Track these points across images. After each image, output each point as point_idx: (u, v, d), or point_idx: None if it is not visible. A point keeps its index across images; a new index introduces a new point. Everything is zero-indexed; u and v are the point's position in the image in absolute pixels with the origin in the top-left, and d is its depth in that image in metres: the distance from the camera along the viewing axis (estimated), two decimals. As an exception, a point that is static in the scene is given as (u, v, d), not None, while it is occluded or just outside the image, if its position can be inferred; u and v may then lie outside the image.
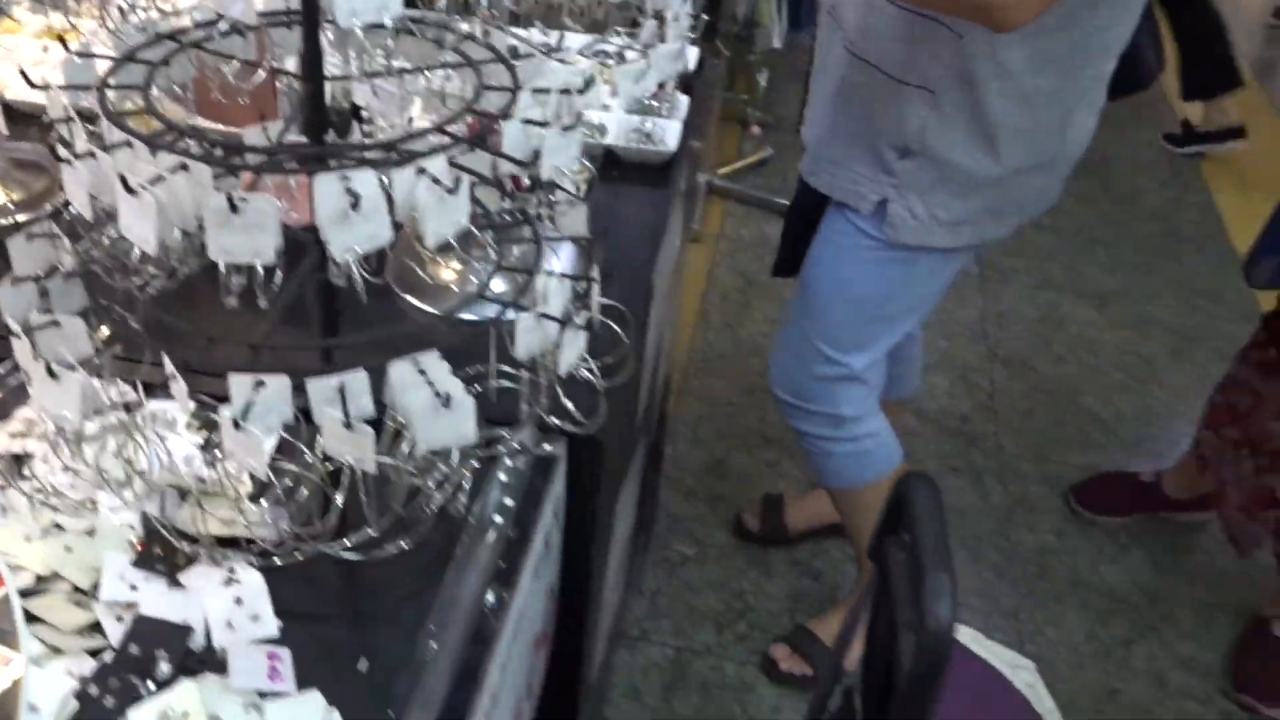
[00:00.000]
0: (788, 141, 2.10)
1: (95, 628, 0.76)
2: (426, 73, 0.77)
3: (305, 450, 0.64)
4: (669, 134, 1.42)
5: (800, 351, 1.62)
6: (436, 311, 0.96)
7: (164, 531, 0.77)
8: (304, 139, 0.71)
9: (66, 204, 0.68)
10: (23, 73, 0.69)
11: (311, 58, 0.67)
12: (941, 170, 1.42)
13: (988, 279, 2.97)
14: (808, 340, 1.60)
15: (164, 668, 0.73)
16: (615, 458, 1.16)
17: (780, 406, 1.69)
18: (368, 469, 0.64)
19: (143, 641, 0.74)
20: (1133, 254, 3.17)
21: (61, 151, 0.62)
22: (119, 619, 0.76)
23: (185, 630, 0.75)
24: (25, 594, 0.76)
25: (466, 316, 0.92)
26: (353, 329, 0.79)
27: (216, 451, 0.68)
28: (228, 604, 0.76)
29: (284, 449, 0.74)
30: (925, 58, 1.35)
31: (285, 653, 0.74)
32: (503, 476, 0.92)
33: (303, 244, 0.71)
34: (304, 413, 0.65)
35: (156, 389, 0.72)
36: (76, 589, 0.78)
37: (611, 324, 0.87)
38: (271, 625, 0.76)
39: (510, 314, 0.71)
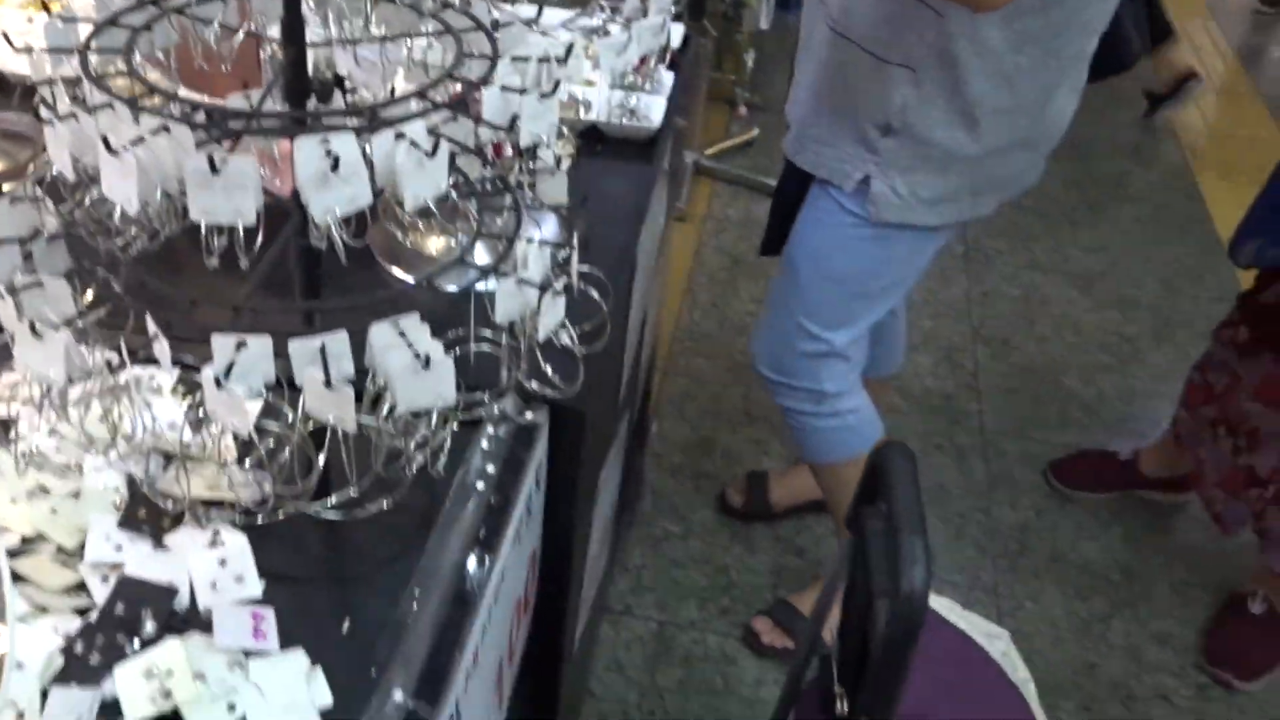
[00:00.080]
0: (775, 122, 2.10)
1: (81, 588, 0.77)
2: (408, 41, 0.77)
3: (288, 410, 0.65)
4: (653, 110, 1.43)
5: (783, 328, 1.63)
6: (418, 282, 0.97)
7: (148, 494, 0.78)
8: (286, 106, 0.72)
9: (50, 174, 0.69)
10: (4, 35, 0.69)
11: (293, 23, 0.68)
12: (923, 148, 1.43)
13: (972, 259, 2.99)
14: (791, 316, 1.61)
15: (149, 626, 0.74)
16: (598, 428, 1.18)
17: (763, 382, 1.71)
18: (348, 429, 0.65)
19: (128, 601, 0.75)
20: (1116, 236, 3.19)
21: (44, 113, 0.63)
22: (104, 579, 0.77)
23: (170, 591, 0.77)
24: (11, 554, 0.76)
25: (448, 287, 0.93)
26: (334, 296, 0.80)
27: (200, 413, 0.69)
28: (212, 565, 0.78)
29: (266, 412, 0.75)
30: (907, 37, 1.36)
31: (269, 612, 0.76)
32: (485, 444, 0.94)
33: (286, 213, 0.72)
34: (288, 381, 0.66)
35: (140, 357, 0.73)
36: (61, 550, 0.79)
37: (592, 292, 0.88)
38: (255, 586, 0.78)
39: (492, 284, 0.73)
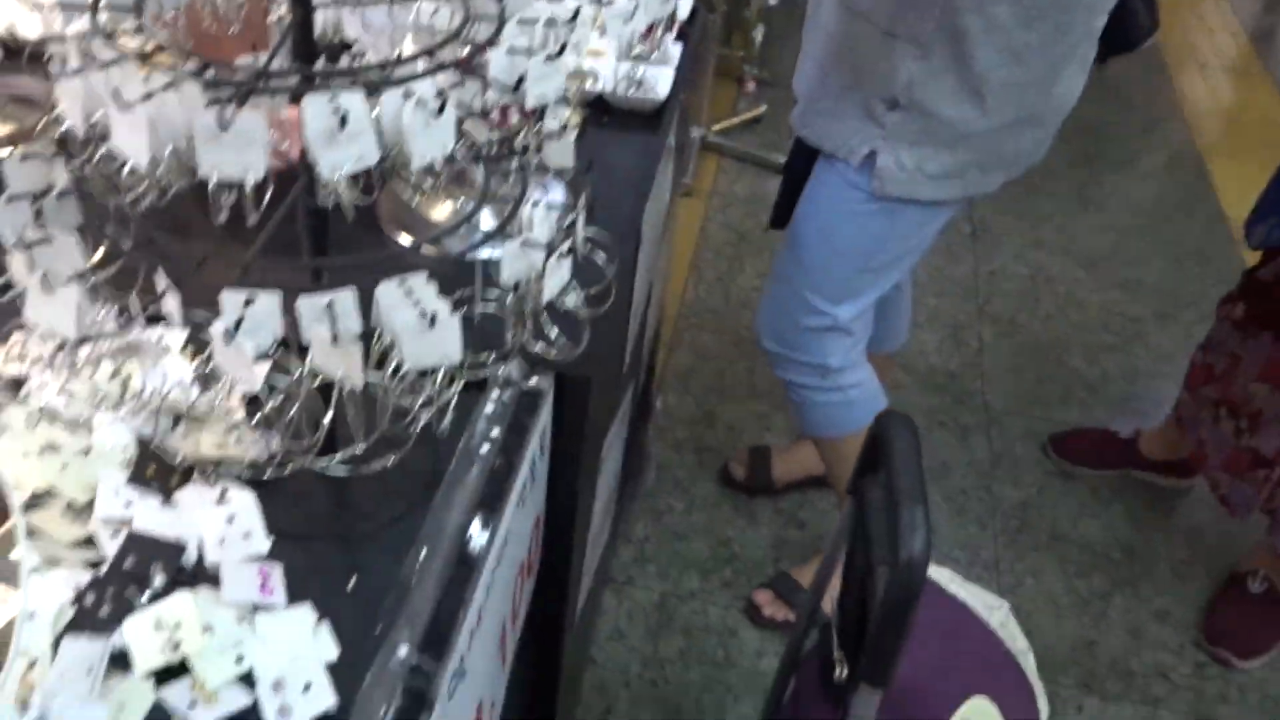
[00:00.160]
0: (783, 98, 2.10)
1: (91, 542, 0.78)
2: (417, 4, 0.78)
3: (297, 364, 0.66)
4: (660, 81, 1.43)
5: (788, 302, 1.64)
6: (425, 243, 0.97)
7: (157, 450, 0.79)
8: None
9: (58, 132, 0.70)
10: (17, -5, 0.70)
11: (301, -16, 0.68)
12: (929, 123, 1.43)
13: (979, 238, 2.98)
14: (795, 291, 1.62)
15: (158, 580, 0.75)
16: (602, 396, 1.19)
17: (767, 356, 1.71)
18: (355, 385, 0.66)
19: (137, 555, 0.76)
20: (1124, 216, 3.18)
21: (54, 68, 0.63)
22: (114, 534, 0.78)
23: (178, 546, 0.78)
24: (24, 509, 0.78)
25: (454, 249, 0.94)
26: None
27: (209, 370, 0.70)
28: (220, 522, 0.79)
29: (273, 371, 0.76)
30: (915, 11, 1.36)
31: (276, 567, 0.77)
32: (490, 408, 0.94)
33: (294, 178, 0.73)
34: (296, 345, 0.67)
35: (150, 315, 0.74)
36: (71, 506, 0.80)
37: (596, 257, 0.89)
38: (263, 542, 0.79)
39: (498, 250, 0.73)
